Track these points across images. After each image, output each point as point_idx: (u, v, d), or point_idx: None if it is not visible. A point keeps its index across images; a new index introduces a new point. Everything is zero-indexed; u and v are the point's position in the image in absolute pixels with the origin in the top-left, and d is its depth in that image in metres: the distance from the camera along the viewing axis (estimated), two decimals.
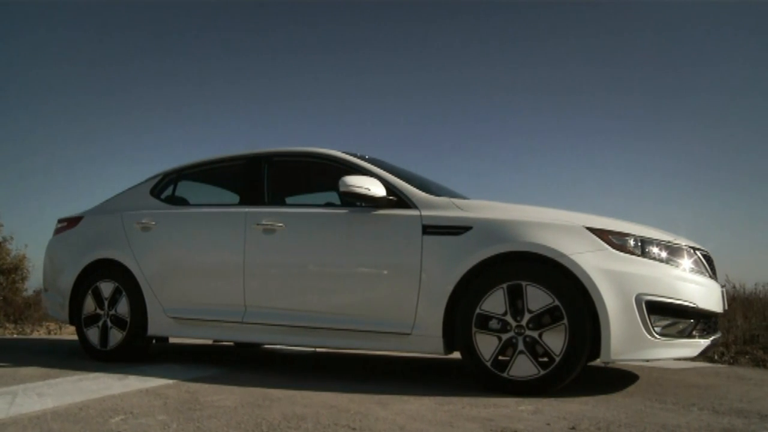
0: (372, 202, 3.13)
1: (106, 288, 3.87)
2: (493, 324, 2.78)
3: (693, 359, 3.88)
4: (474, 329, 2.80)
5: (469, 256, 2.85)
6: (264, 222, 3.41)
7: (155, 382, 2.98)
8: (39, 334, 6.77)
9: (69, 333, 7.01)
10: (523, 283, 2.73)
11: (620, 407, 2.42)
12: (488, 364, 2.76)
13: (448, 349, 2.94)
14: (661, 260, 2.72)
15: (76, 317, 3.98)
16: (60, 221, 4.39)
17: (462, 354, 2.86)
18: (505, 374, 2.72)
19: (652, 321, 2.60)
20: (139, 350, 3.81)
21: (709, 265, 2.95)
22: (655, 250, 2.75)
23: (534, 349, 2.69)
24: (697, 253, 2.88)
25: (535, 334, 2.68)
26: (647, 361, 2.92)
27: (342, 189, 3.07)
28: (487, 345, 2.77)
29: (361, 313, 3.10)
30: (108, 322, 3.83)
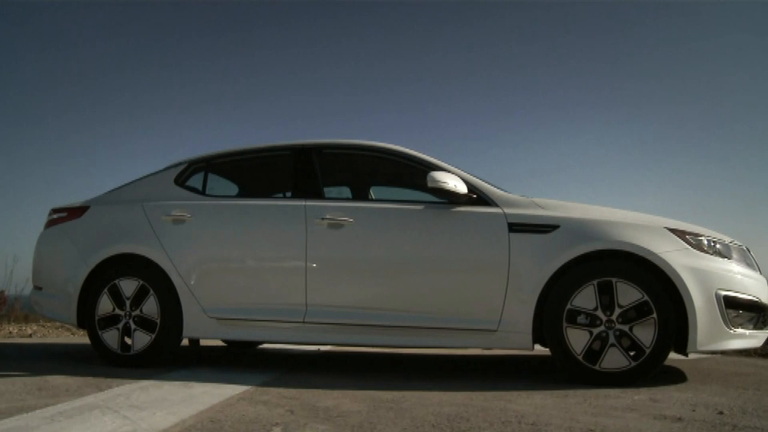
0: (456, 198, 3.12)
1: (128, 286, 3.47)
2: (582, 319, 2.91)
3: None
4: (565, 324, 2.91)
5: (561, 253, 2.95)
6: (329, 216, 3.26)
7: (234, 389, 2.74)
8: None
9: (3, 336, 6.20)
10: (614, 280, 2.88)
11: (724, 394, 2.64)
12: (580, 357, 2.88)
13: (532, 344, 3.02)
14: (728, 258, 3.00)
15: (87, 319, 3.54)
16: (56, 211, 3.86)
17: (552, 348, 2.95)
18: (596, 366, 2.85)
19: (728, 315, 2.86)
20: (167, 354, 3.47)
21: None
22: (722, 248, 3.02)
23: (621, 342, 2.85)
24: (750, 251, 3.20)
25: (625, 327, 2.84)
26: (722, 352, 3.18)
27: (430, 185, 3.04)
28: (578, 339, 2.89)
29: (443, 311, 3.08)
30: (131, 324, 3.45)
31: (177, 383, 2.88)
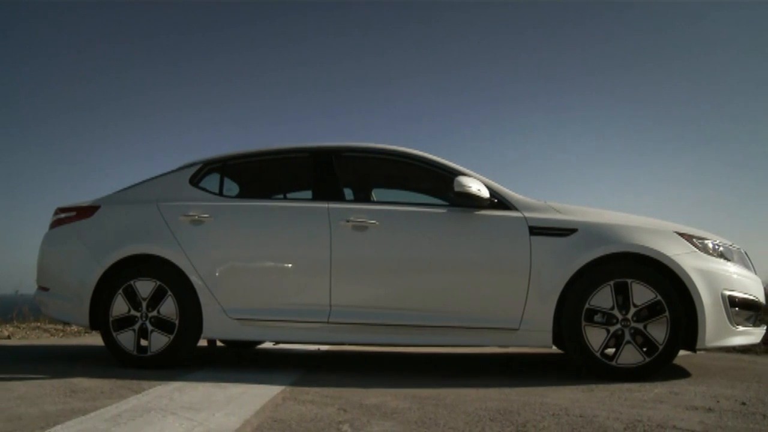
0: (479, 202, 3.25)
1: (144, 287, 3.43)
2: (599, 317, 3.08)
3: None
4: (583, 323, 3.07)
5: (580, 255, 3.11)
6: (353, 219, 3.33)
7: (270, 389, 2.77)
8: None
9: None
10: (629, 281, 3.06)
11: (733, 387, 2.86)
12: (597, 354, 3.05)
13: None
14: (730, 260, 3.24)
15: (101, 320, 3.47)
16: (63, 210, 3.76)
17: (570, 345, 3.11)
18: (613, 363, 3.03)
19: (732, 313, 3.09)
20: (185, 355, 3.45)
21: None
22: (724, 251, 3.26)
23: (636, 339, 3.04)
24: (747, 254, 3.45)
25: (640, 325, 3.03)
26: (726, 348, 3.41)
27: (457, 189, 3.16)
28: (596, 337, 3.06)
29: (467, 311, 3.20)
30: (148, 325, 3.41)
31: (208, 384, 2.88)
